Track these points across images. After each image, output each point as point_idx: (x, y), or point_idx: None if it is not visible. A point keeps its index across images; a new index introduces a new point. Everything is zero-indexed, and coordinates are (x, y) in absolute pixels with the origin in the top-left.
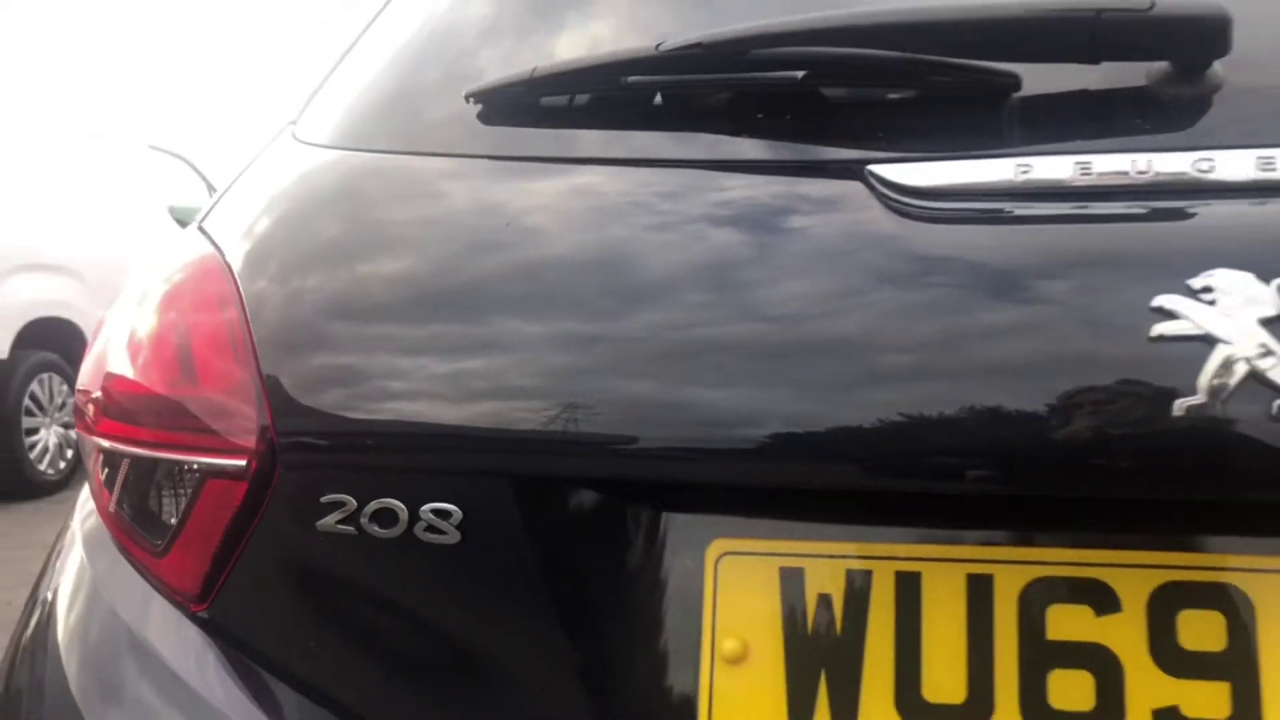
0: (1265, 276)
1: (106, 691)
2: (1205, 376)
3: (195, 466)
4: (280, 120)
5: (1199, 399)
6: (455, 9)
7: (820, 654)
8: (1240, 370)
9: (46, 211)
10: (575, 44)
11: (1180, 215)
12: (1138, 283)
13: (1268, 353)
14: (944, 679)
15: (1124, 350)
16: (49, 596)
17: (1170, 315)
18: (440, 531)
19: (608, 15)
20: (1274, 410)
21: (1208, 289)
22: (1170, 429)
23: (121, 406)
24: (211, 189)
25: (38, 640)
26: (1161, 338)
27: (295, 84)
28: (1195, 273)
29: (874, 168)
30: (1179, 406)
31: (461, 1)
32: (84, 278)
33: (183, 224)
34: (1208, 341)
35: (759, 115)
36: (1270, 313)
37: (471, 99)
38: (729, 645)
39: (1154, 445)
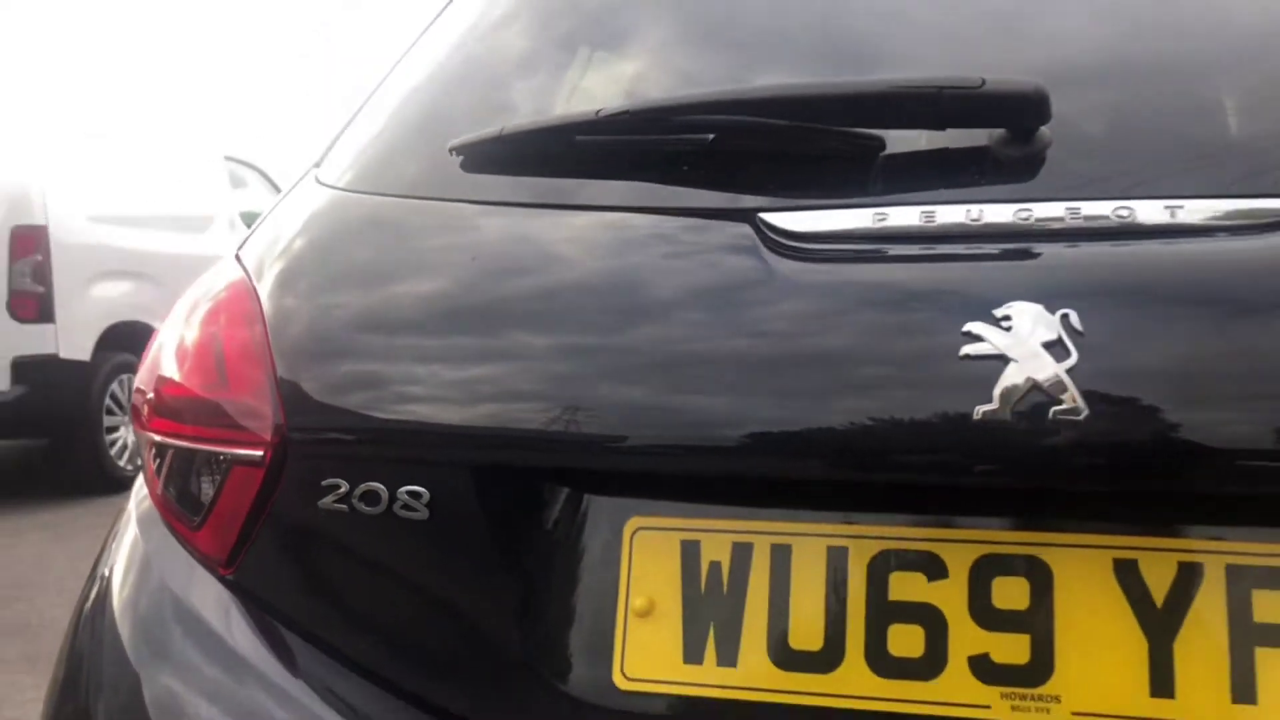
0: (1051, 307)
1: (153, 641)
2: (999, 387)
3: (224, 457)
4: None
5: (994, 405)
6: (450, 73)
7: (710, 609)
8: (1026, 383)
9: (126, 218)
10: (550, 99)
11: (998, 256)
12: (957, 311)
13: (1047, 369)
14: (806, 631)
15: (942, 367)
16: (106, 572)
17: (976, 338)
18: (413, 509)
19: (585, 74)
20: (1050, 415)
21: (1006, 317)
22: (973, 429)
23: (169, 406)
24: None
25: (96, 607)
26: (968, 356)
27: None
28: (1000, 304)
29: (763, 215)
30: (979, 411)
31: (456, 65)
32: (160, 282)
33: None
34: (1002, 360)
35: (674, 169)
36: (1051, 337)
37: (453, 152)
38: (639, 602)
39: (961, 442)
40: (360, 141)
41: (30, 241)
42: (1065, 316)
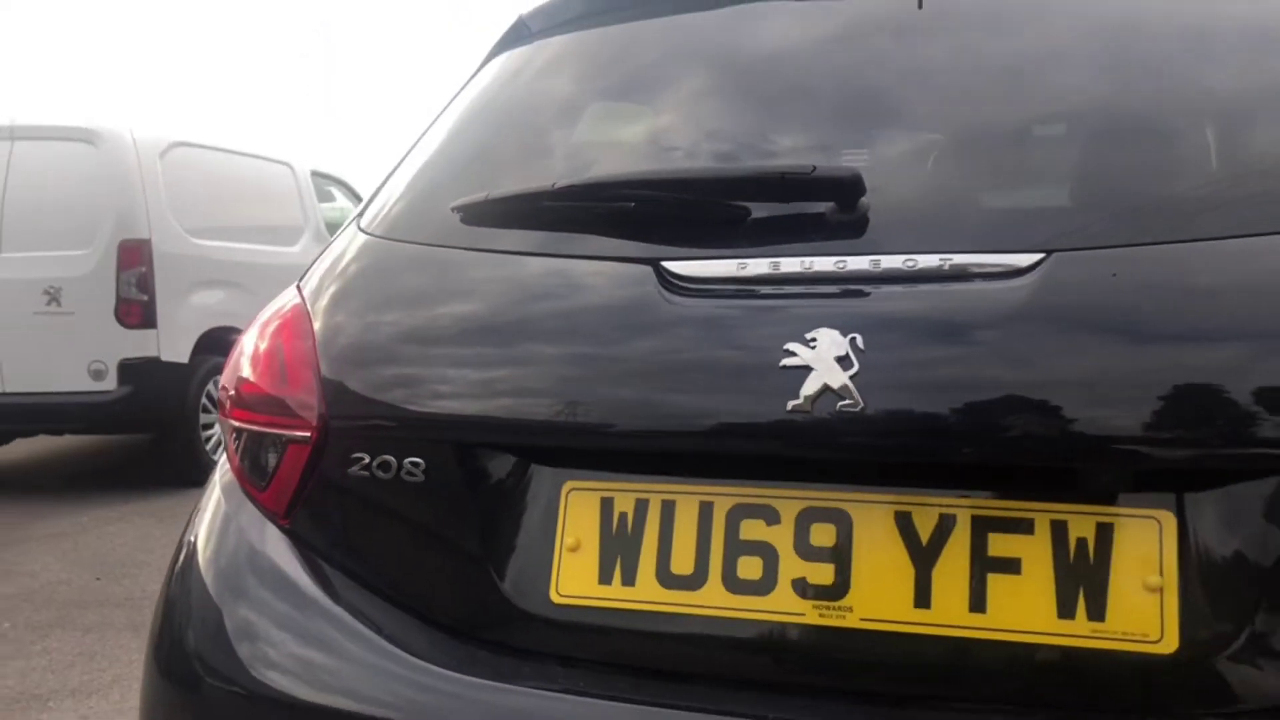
0: (844, 332)
1: (230, 579)
2: (805, 389)
3: (284, 437)
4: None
5: (800, 401)
6: (457, 146)
7: (618, 546)
8: (822, 386)
9: (221, 230)
10: (545, 168)
11: (817, 295)
12: (782, 334)
13: (838, 376)
14: (682, 561)
15: (769, 373)
16: (191, 537)
17: (792, 354)
18: (414, 475)
19: (581, 139)
20: (838, 408)
21: (814, 339)
22: (787, 418)
23: (245, 399)
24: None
25: (186, 560)
26: (785, 367)
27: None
28: (811, 329)
29: (663, 262)
30: (790, 405)
31: (462, 140)
32: (253, 291)
33: None
34: (807, 369)
35: (606, 227)
36: (842, 353)
37: (454, 209)
38: (570, 541)
39: (780, 427)
40: (390, 197)
41: (135, 254)
42: (853, 339)
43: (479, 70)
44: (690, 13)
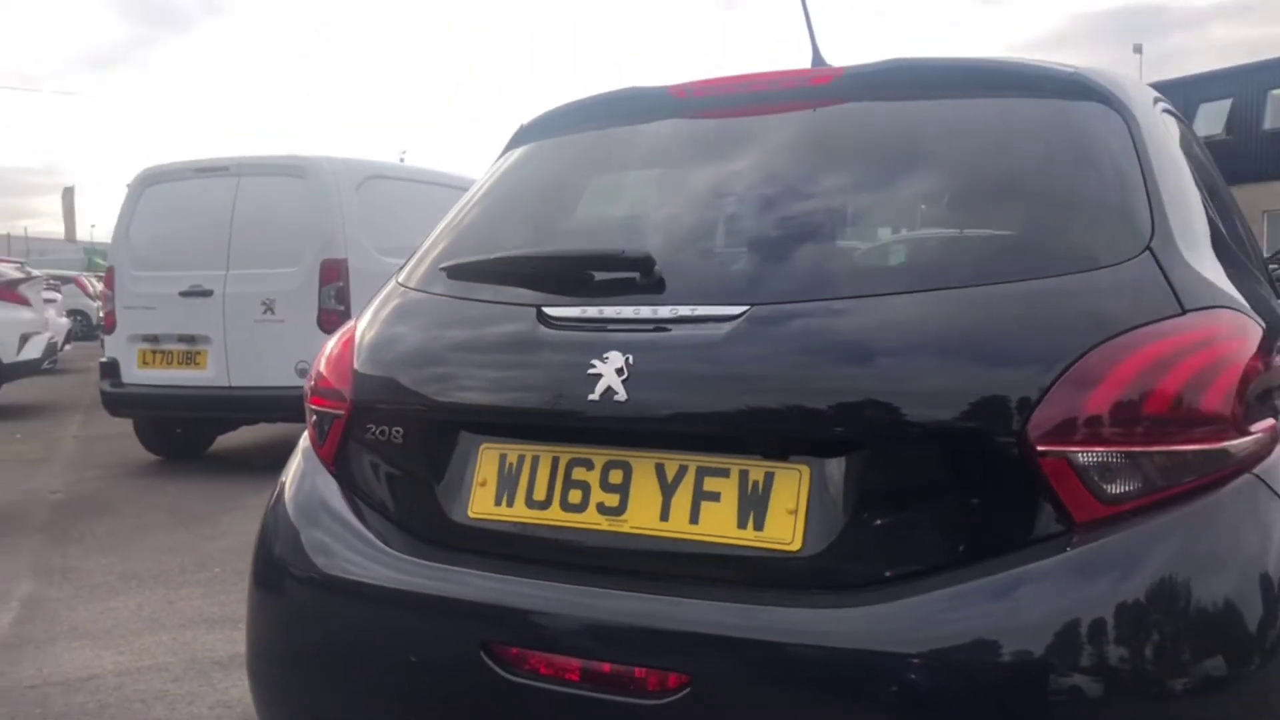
0: (624, 353)
1: (303, 508)
2: (598, 388)
3: (331, 414)
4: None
5: (596, 396)
6: (462, 221)
7: (507, 483)
8: (607, 388)
9: (406, 249)
10: (505, 240)
11: (621, 329)
12: (594, 354)
13: (604, 381)
14: (539, 491)
15: (584, 379)
16: (283, 479)
17: (594, 366)
18: (397, 439)
19: (521, 228)
20: (615, 399)
21: (607, 357)
22: (591, 406)
23: (319, 389)
24: None
25: (277, 495)
26: (589, 374)
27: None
28: (609, 351)
29: (544, 308)
30: (589, 399)
31: (468, 215)
32: None
33: None
34: (600, 376)
35: (511, 284)
36: (620, 365)
37: (442, 270)
38: (480, 479)
39: (588, 413)
40: (417, 257)
41: (335, 270)
42: (628, 358)
43: (489, 168)
44: (603, 134)
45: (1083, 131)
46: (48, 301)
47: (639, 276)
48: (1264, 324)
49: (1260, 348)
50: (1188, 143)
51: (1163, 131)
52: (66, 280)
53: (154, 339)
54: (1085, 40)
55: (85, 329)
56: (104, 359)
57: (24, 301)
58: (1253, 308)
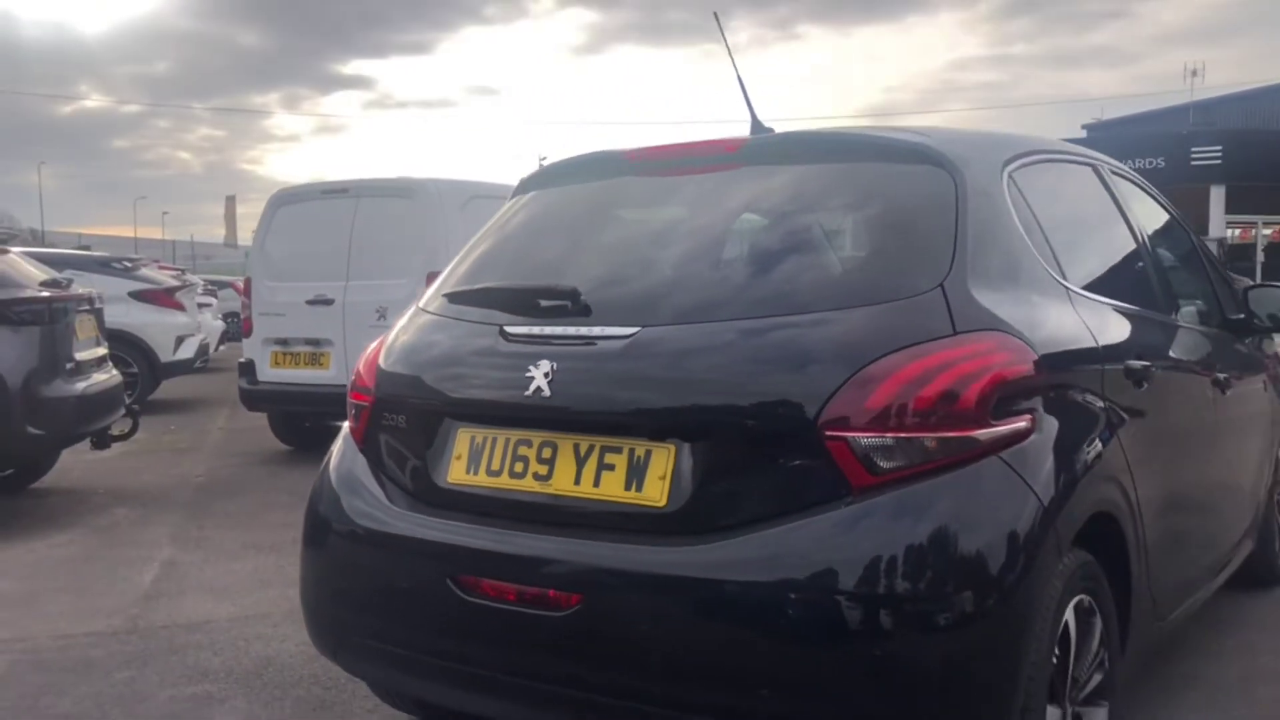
0: (550, 360)
1: (343, 477)
2: (532, 386)
3: (362, 405)
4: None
5: (529, 393)
6: (466, 260)
7: (475, 457)
8: (537, 387)
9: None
10: (494, 271)
11: (556, 344)
12: (534, 362)
13: (541, 380)
14: (495, 464)
15: (526, 379)
16: (328, 456)
17: (529, 370)
18: (400, 423)
19: (507, 262)
20: (542, 393)
21: (539, 364)
22: (528, 400)
23: (356, 386)
24: None
25: (324, 467)
26: (527, 377)
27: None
28: (539, 360)
29: (505, 326)
30: (526, 394)
31: (475, 250)
32: None
33: None
34: (533, 377)
35: (482, 307)
36: (546, 371)
37: (444, 296)
38: (456, 453)
39: (527, 405)
40: (435, 287)
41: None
42: (553, 365)
43: (501, 209)
44: (576, 188)
45: (912, 191)
46: (203, 306)
47: (569, 304)
48: (1030, 344)
49: (1017, 362)
50: (1046, 195)
51: (993, 189)
52: (224, 285)
53: (284, 342)
54: None
55: (238, 331)
56: (242, 359)
57: (179, 306)
58: (1030, 332)
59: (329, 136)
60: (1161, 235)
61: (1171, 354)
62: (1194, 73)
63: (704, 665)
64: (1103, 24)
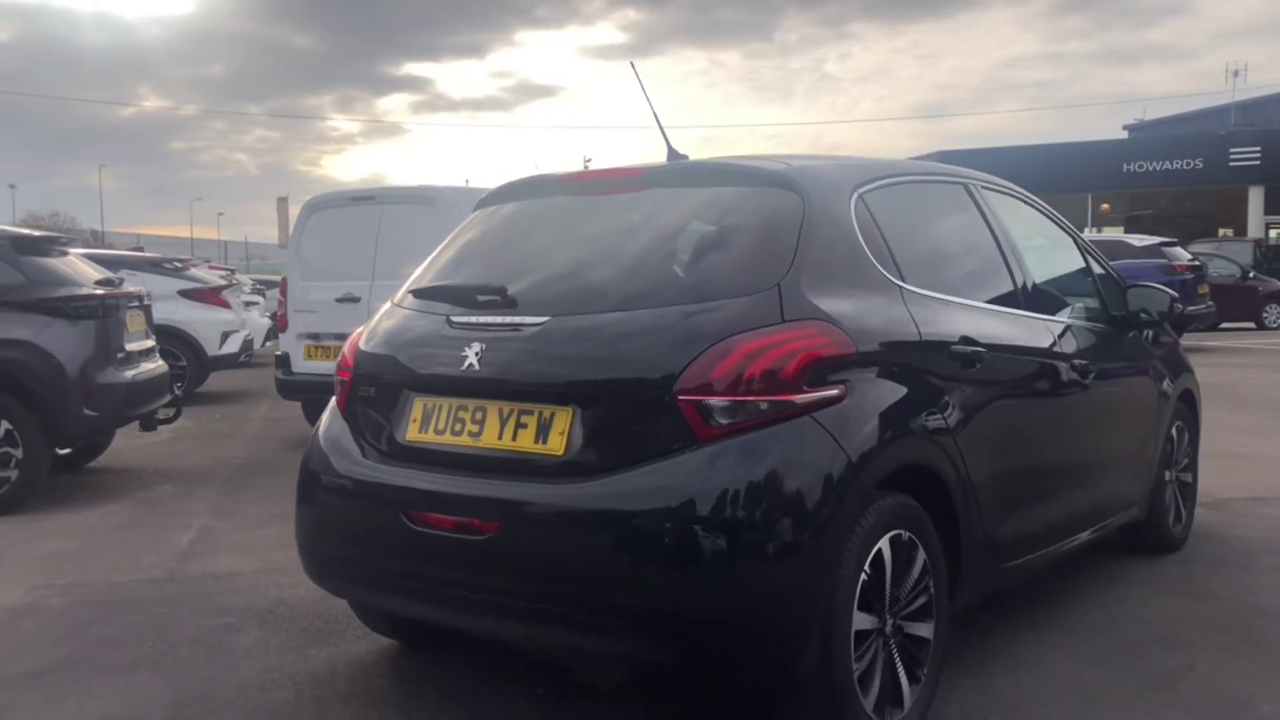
0: (483, 343)
1: (330, 441)
2: (465, 363)
3: (344, 380)
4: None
5: (463, 369)
6: (437, 260)
7: (428, 419)
8: (468, 364)
9: None
10: (466, 266)
11: (491, 331)
12: (467, 342)
13: (471, 357)
14: (442, 425)
15: (464, 358)
16: (319, 422)
17: (465, 350)
18: (371, 393)
19: (460, 263)
20: (473, 367)
21: (472, 345)
22: (464, 373)
23: (341, 365)
24: None
25: (315, 432)
26: (463, 355)
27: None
28: (473, 342)
29: (451, 316)
30: (459, 369)
31: (448, 253)
32: None
33: None
34: (465, 356)
35: (436, 301)
36: (479, 350)
37: (410, 292)
38: (414, 417)
39: (462, 377)
40: (407, 285)
41: None
42: (483, 345)
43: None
44: (520, 204)
45: (765, 210)
46: (249, 304)
47: (499, 299)
48: (846, 331)
49: (832, 344)
50: (895, 212)
51: (836, 209)
52: (272, 285)
53: (316, 337)
54: None
55: None
56: (278, 353)
57: (225, 304)
58: (850, 322)
59: (382, 138)
60: (1038, 242)
61: (1013, 341)
62: (1236, 73)
63: (588, 572)
64: (1161, 20)
